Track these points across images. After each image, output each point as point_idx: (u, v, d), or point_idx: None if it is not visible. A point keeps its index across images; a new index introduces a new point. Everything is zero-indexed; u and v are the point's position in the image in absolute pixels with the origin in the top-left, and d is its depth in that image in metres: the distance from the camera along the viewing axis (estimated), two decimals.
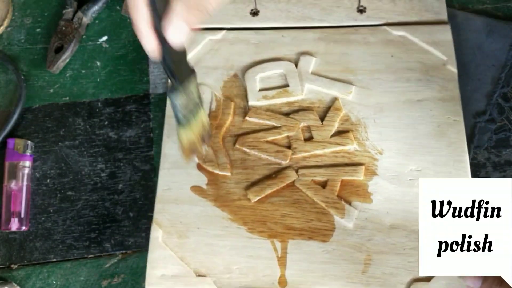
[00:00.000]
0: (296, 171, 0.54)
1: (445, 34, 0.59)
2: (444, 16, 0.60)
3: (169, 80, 0.43)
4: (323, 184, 0.53)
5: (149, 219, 0.58)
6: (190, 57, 0.60)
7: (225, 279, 0.50)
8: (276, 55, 0.60)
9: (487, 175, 0.57)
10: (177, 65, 0.43)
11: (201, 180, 0.55)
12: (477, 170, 0.57)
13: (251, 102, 0.58)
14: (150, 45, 0.40)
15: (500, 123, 0.58)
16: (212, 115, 0.57)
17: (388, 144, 0.55)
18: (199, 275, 0.51)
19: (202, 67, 0.60)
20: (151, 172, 0.59)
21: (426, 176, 0.52)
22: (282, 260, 0.51)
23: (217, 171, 0.55)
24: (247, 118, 0.57)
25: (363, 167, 0.54)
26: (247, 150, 0.56)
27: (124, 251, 0.57)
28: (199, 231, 0.53)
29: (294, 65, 0.59)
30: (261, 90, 0.58)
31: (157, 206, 0.54)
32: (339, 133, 0.56)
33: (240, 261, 0.51)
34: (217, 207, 0.54)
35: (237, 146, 0.56)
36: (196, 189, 0.55)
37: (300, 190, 0.53)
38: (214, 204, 0.54)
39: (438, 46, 0.58)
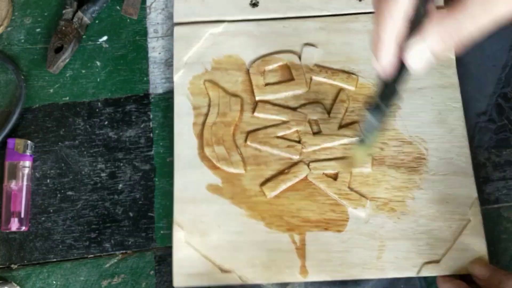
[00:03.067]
0: (308, 165, 0.55)
1: None
2: (440, 1, 0.59)
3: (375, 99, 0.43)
4: (335, 177, 0.55)
5: (149, 219, 0.58)
6: (193, 52, 0.60)
7: (249, 273, 0.53)
8: (279, 47, 0.60)
9: (487, 175, 0.57)
10: (394, 89, 0.41)
11: (216, 178, 0.56)
12: (477, 170, 0.57)
13: (258, 97, 0.58)
14: (386, 58, 0.37)
15: (500, 123, 0.58)
16: (220, 113, 0.58)
17: (393, 134, 0.56)
18: (224, 271, 0.53)
19: (206, 62, 0.60)
20: (151, 172, 0.59)
21: (431, 162, 0.55)
22: (301, 252, 0.53)
23: (231, 170, 0.56)
24: (255, 113, 0.58)
25: (370, 157, 0.55)
26: (259, 146, 0.57)
27: (124, 251, 0.57)
28: (219, 229, 0.54)
29: (298, 57, 0.59)
30: (267, 84, 0.59)
31: (176, 207, 0.55)
32: (347, 125, 0.57)
33: (261, 255, 0.53)
34: (234, 204, 0.55)
35: (248, 142, 0.57)
36: (212, 187, 0.56)
37: (313, 184, 0.55)
38: (231, 201, 0.55)
39: None
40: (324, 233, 0.53)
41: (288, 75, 0.59)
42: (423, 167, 0.55)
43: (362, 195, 0.54)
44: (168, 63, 0.62)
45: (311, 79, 0.59)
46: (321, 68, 0.59)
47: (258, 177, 0.56)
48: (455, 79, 0.57)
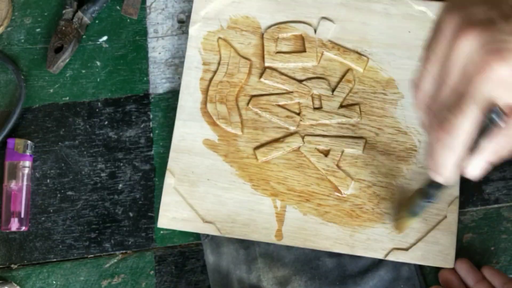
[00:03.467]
0: (303, 138, 0.57)
1: None
2: None
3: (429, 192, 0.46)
4: (326, 153, 0.57)
5: (149, 219, 0.58)
6: (211, 7, 0.61)
7: (228, 227, 0.55)
8: (297, 17, 0.60)
9: (487, 175, 0.57)
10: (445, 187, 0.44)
11: (214, 135, 0.58)
12: None
13: (267, 63, 0.59)
14: (451, 176, 0.37)
15: None
16: (228, 73, 0.59)
17: (390, 121, 0.57)
18: (206, 222, 0.56)
19: (223, 19, 0.61)
20: (151, 172, 0.59)
21: (421, 155, 0.56)
22: (280, 217, 0.55)
23: (229, 129, 0.58)
24: (262, 79, 0.59)
25: (364, 140, 0.56)
26: (259, 112, 0.58)
27: (124, 251, 0.57)
28: (208, 182, 0.57)
29: (313, 30, 0.60)
30: (278, 52, 0.59)
31: (172, 154, 0.57)
32: (348, 105, 0.58)
33: (243, 213, 0.56)
34: (226, 162, 0.57)
35: (250, 106, 0.58)
36: (208, 142, 0.58)
37: (304, 156, 0.57)
38: (224, 159, 0.57)
39: None
40: (305, 204, 0.56)
41: (300, 46, 0.60)
42: (413, 158, 0.56)
43: (348, 175, 0.56)
44: (168, 63, 0.62)
45: (322, 54, 0.59)
46: (334, 45, 0.59)
47: (254, 140, 0.58)
48: None
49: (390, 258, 0.54)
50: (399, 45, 0.59)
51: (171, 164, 0.57)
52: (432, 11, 0.59)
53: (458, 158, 0.35)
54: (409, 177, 0.56)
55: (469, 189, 0.57)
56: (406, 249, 0.54)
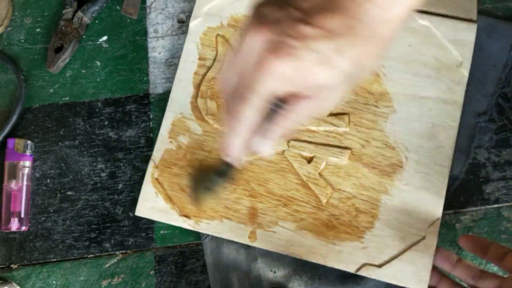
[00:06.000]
0: (287, 142, 0.56)
1: (469, 33, 0.57)
2: (472, 15, 0.58)
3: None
4: (309, 159, 0.56)
5: (149, 219, 0.58)
6: (214, 4, 0.61)
7: (204, 224, 0.55)
8: None
9: (487, 175, 0.57)
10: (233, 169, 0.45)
11: (200, 130, 0.58)
12: (477, 170, 0.57)
13: None
14: (238, 156, 0.41)
15: (500, 123, 0.58)
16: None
17: (379, 134, 0.56)
18: (183, 215, 0.56)
19: (224, 17, 0.61)
20: None
21: (406, 172, 0.55)
22: (256, 219, 0.55)
23: (216, 125, 0.58)
24: None
25: (349, 151, 0.55)
26: None
27: (124, 251, 0.57)
28: (189, 176, 0.55)
29: None
30: None
31: (157, 146, 0.58)
32: (337, 114, 0.57)
33: (219, 210, 0.56)
34: (210, 158, 0.57)
35: None
36: (195, 137, 0.58)
37: (287, 160, 0.56)
38: (208, 155, 0.57)
39: (458, 45, 0.57)
40: (282, 209, 0.55)
41: None
42: (397, 175, 0.54)
43: (329, 184, 0.55)
44: (168, 63, 0.62)
45: None
46: None
47: None
48: (460, 98, 0.56)
49: (362, 273, 0.52)
50: (398, 58, 0.57)
51: (155, 154, 0.57)
52: (436, 27, 0.57)
53: (244, 141, 0.39)
54: (391, 193, 0.54)
55: (469, 189, 0.56)
56: (379, 266, 0.52)
